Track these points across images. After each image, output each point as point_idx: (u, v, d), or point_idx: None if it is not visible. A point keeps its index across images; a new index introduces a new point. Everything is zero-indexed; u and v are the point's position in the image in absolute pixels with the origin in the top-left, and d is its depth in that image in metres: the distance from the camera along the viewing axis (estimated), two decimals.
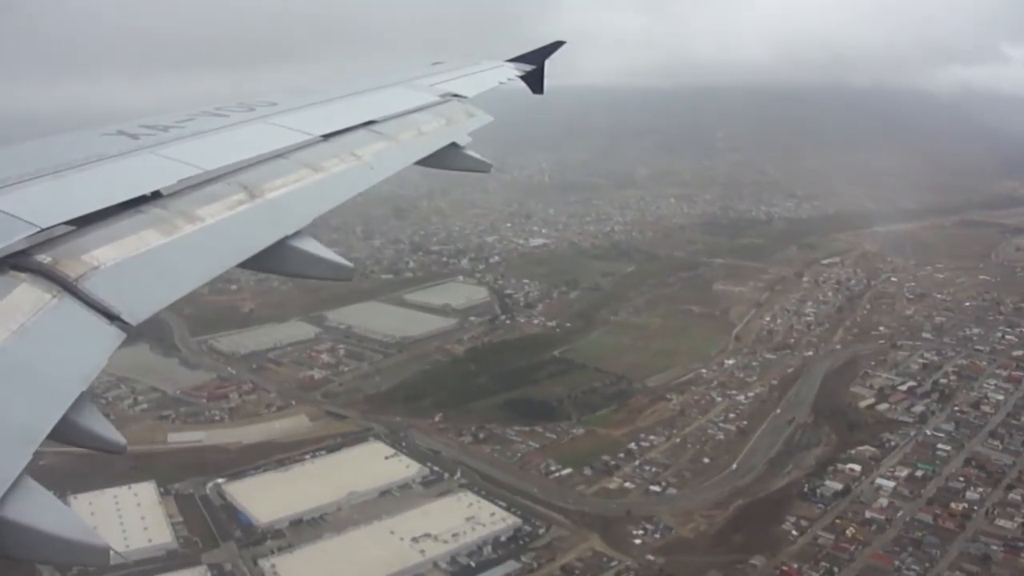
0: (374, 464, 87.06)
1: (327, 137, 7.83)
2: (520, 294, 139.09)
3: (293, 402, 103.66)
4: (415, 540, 72.66)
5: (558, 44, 14.47)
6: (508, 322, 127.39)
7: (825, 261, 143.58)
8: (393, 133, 8.59)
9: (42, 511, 3.44)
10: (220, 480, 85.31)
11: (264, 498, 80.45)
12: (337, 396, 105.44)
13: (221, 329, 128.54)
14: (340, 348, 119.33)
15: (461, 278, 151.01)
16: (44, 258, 4.50)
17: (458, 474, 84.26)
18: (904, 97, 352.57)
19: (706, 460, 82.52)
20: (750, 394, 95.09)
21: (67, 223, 4.95)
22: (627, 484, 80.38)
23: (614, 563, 67.72)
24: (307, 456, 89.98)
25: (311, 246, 5.93)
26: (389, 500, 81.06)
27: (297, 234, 5.92)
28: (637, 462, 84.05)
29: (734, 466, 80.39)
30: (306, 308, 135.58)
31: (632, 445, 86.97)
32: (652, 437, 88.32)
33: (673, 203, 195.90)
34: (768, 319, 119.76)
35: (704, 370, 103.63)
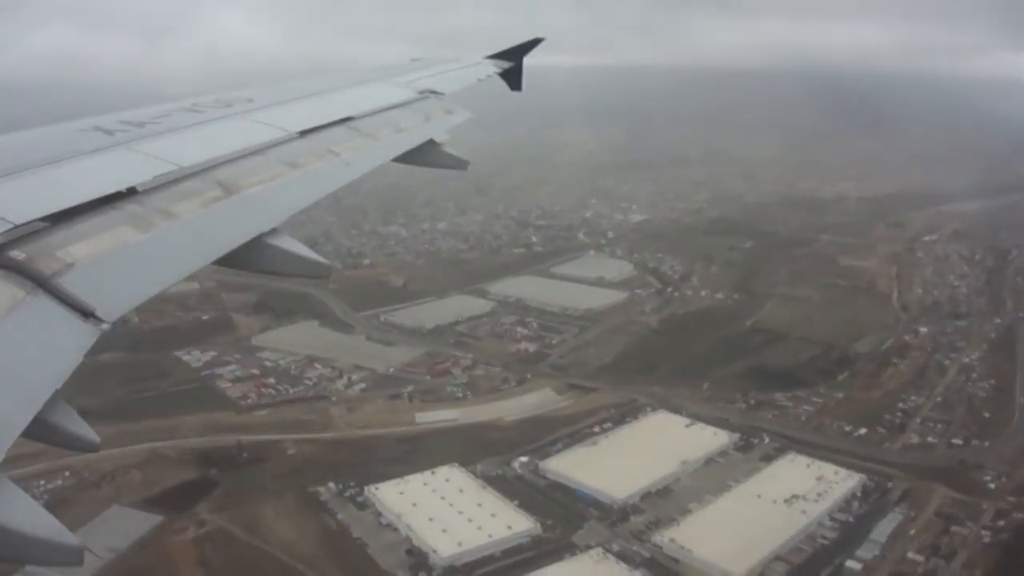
0: (679, 433, 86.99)
1: (304, 134, 7.86)
2: (665, 267, 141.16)
3: (528, 376, 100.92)
4: (787, 502, 74.39)
5: (536, 41, 14.36)
6: (676, 295, 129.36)
7: (926, 238, 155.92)
8: (370, 130, 8.59)
9: (15, 510, 3.37)
10: (523, 459, 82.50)
11: (597, 473, 78.31)
12: (567, 369, 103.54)
13: (380, 304, 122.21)
14: (532, 321, 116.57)
15: (592, 252, 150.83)
16: (18, 254, 4.42)
17: (767, 439, 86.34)
18: (925, 83, 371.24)
19: (986, 415, 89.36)
20: (973, 356, 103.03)
21: (42, 219, 4.89)
22: (929, 439, 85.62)
23: (984, 506, 72.58)
24: (596, 429, 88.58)
25: (288, 243, 5.90)
26: (717, 467, 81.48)
27: (273, 231, 5.90)
28: (918, 420, 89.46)
29: (1016, 418, 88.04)
30: (458, 282, 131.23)
31: (901, 405, 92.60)
32: (913, 397, 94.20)
33: (739, 181, 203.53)
34: (920, 291, 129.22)
35: (907, 336, 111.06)
